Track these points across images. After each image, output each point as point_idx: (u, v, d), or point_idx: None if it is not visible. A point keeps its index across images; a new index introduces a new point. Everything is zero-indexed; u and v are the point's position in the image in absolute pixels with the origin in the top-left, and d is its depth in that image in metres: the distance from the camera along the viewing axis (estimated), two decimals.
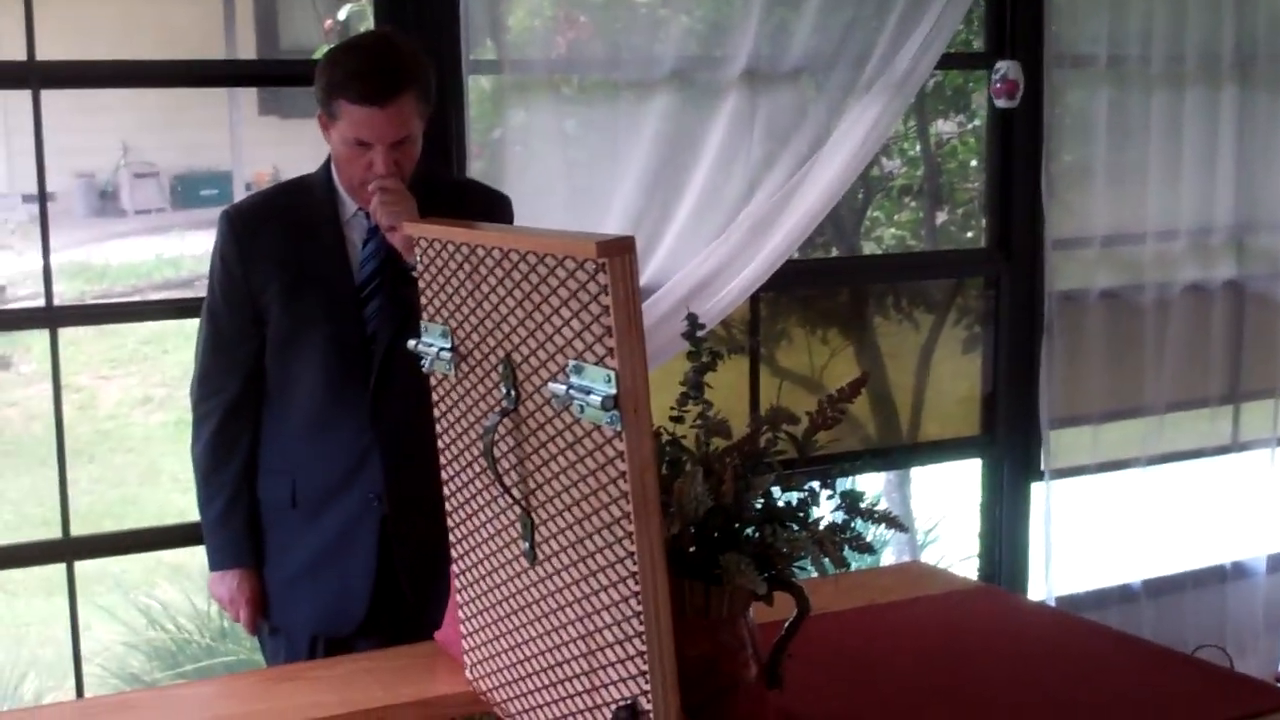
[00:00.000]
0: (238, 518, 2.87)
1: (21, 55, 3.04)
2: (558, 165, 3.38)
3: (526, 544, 1.98)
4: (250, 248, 2.79)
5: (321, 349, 2.78)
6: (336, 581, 2.83)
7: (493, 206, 2.88)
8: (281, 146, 13.96)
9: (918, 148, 4.89)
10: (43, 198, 3.11)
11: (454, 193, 2.91)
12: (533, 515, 1.95)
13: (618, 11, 3.42)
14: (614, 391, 1.69)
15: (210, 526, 2.90)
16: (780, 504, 2.10)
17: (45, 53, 3.04)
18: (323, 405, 2.80)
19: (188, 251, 11.81)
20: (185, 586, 5.45)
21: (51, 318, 3.15)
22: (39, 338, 8.59)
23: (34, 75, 3.02)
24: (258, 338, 2.82)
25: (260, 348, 2.83)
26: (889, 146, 4.74)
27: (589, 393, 1.72)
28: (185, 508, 8.12)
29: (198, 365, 2.90)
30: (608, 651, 1.83)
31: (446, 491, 2.22)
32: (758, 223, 3.45)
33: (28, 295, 10.41)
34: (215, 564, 2.91)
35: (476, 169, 3.32)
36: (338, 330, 2.77)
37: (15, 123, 12.10)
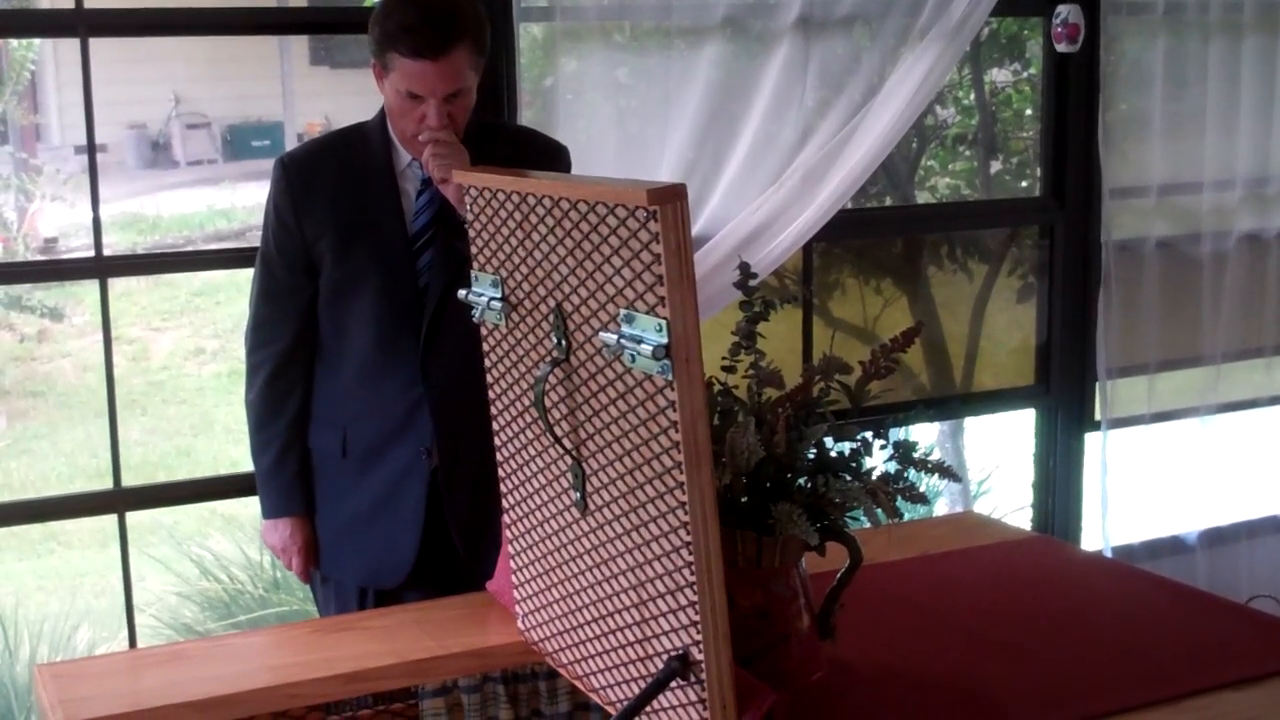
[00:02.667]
0: (290, 467, 2.88)
1: (69, 3, 3.04)
2: (609, 113, 3.35)
3: (578, 494, 1.97)
4: (304, 197, 2.78)
5: (373, 300, 2.77)
6: (385, 534, 2.83)
7: (551, 157, 2.86)
8: (333, 97, 13.99)
9: (972, 96, 4.84)
10: (91, 148, 3.12)
11: (511, 143, 2.88)
12: (584, 465, 1.94)
13: None
14: (665, 340, 1.67)
15: (263, 475, 2.91)
16: (833, 454, 2.09)
17: (94, 1, 3.04)
18: (374, 357, 2.80)
19: (239, 202, 11.87)
20: (238, 537, 5.49)
21: (101, 268, 3.16)
22: (90, 289, 8.67)
23: (82, 23, 3.02)
24: (311, 287, 2.81)
25: (313, 298, 2.82)
26: (943, 95, 4.68)
27: (640, 342, 1.71)
28: (238, 458, 8.20)
29: (251, 314, 2.90)
30: (659, 602, 1.83)
31: (497, 442, 2.21)
32: (810, 172, 3.42)
33: (80, 247, 10.48)
34: (268, 512, 2.92)
35: (528, 117, 3.30)
36: (390, 281, 2.76)
37: (67, 76, 12.18)
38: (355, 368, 2.82)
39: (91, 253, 3.16)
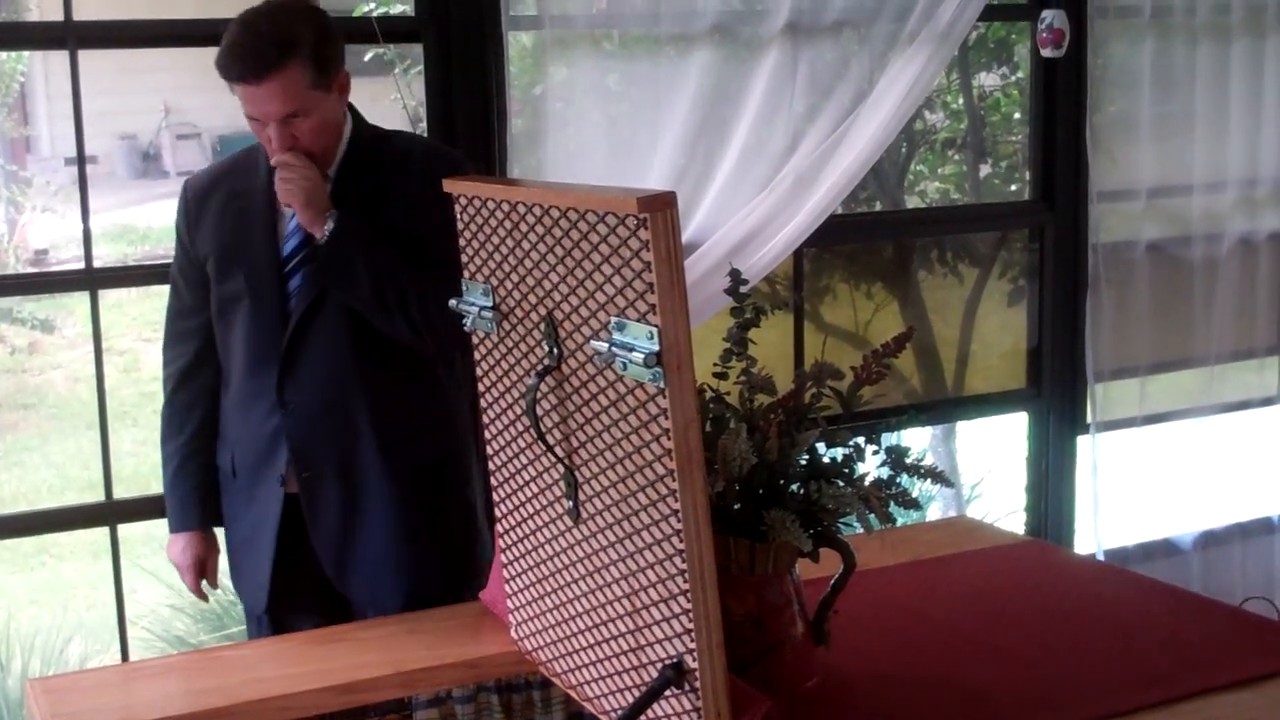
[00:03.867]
0: (186, 482, 2.84)
1: (59, 15, 3.03)
2: (599, 121, 3.35)
3: (570, 503, 1.97)
4: (197, 217, 2.76)
5: (244, 322, 2.72)
6: (253, 557, 2.79)
7: (431, 176, 2.62)
8: None
9: (961, 101, 4.84)
10: (81, 159, 3.12)
11: (400, 159, 2.73)
12: (576, 474, 1.94)
13: None
14: (657, 348, 1.67)
15: (165, 490, 2.88)
16: (825, 460, 2.09)
17: (83, 13, 3.04)
18: (245, 380, 2.75)
19: None
20: None
21: (92, 280, 3.16)
22: (81, 300, 8.65)
23: (71, 35, 3.01)
24: (209, 307, 2.78)
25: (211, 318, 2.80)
26: (932, 100, 4.69)
27: (631, 350, 1.70)
28: None
29: (164, 332, 2.89)
30: (653, 610, 1.82)
31: (489, 450, 2.21)
32: (800, 178, 3.42)
33: (71, 258, 10.47)
34: (169, 527, 2.89)
35: (518, 125, 3.30)
36: (258, 304, 2.70)
37: (57, 87, 12.16)
38: (232, 390, 2.79)
39: (82, 264, 3.16)
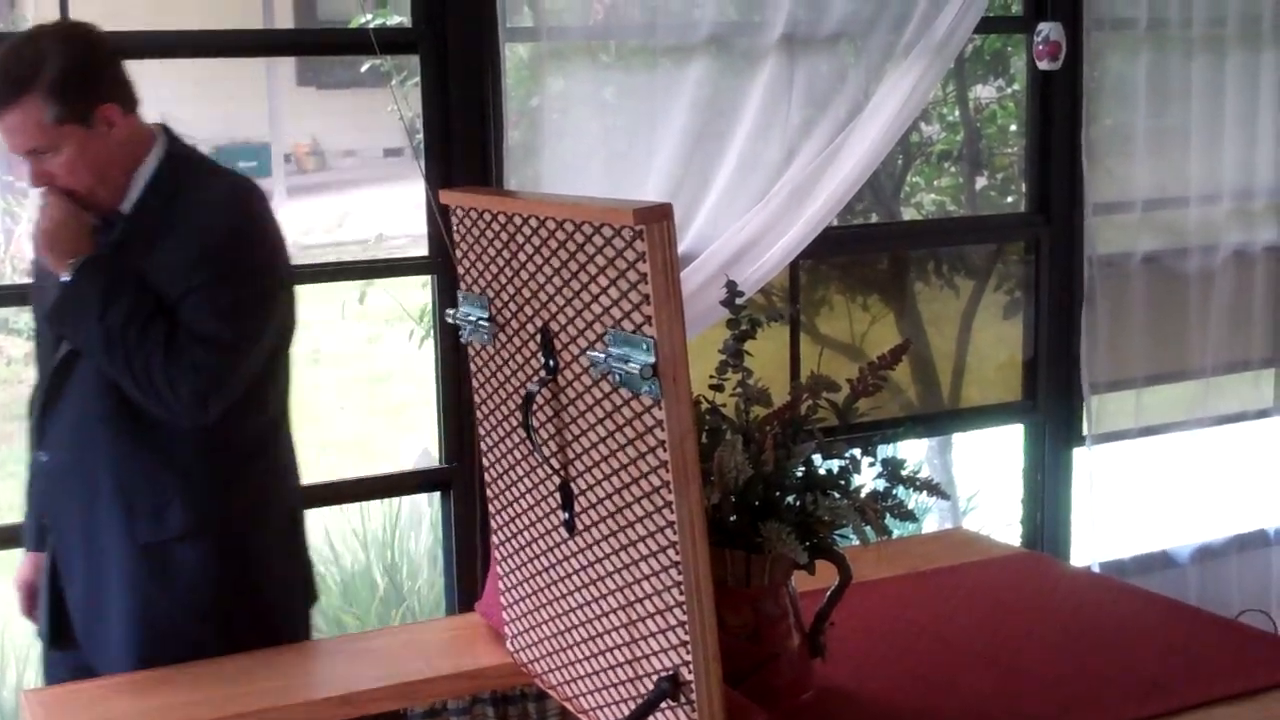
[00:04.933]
0: (28, 503, 2.73)
1: None
2: (596, 132, 3.36)
3: (565, 514, 1.97)
4: None
5: (36, 360, 2.66)
6: (43, 596, 2.69)
7: (201, 238, 2.45)
8: (320, 117, 14.03)
9: (957, 113, 4.85)
10: None
11: (181, 210, 2.49)
12: (571, 485, 1.94)
13: None
14: (652, 360, 1.67)
15: None
16: (821, 472, 2.09)
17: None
18: (34, 416, 2.64)
19: None
20: None
21: None
22: None
23: None
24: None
25: None
26: (928, 111, 4.70)
27: (627, 361, 1.70)
28: None
29: None
30: (649, 622, 1.82)
31: (485, 463, 2.21)
32: (797, 189, 3.42)
33: None
34: None
35: (514, 137, 3.30)
36: (39, 340, 2.64)
37: None
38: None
39: None
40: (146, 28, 3.23)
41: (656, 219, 1.66)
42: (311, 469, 7.62)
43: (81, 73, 2.40)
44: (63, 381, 2.51)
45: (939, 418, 4.43)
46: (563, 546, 2.01)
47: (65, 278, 2.42)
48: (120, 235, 2.46)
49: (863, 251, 4.22)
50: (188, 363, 2.35)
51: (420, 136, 3.41)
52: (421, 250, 3.49)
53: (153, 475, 2.48)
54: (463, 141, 3.29)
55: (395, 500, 5.21)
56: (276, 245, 2.56)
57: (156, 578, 2.49)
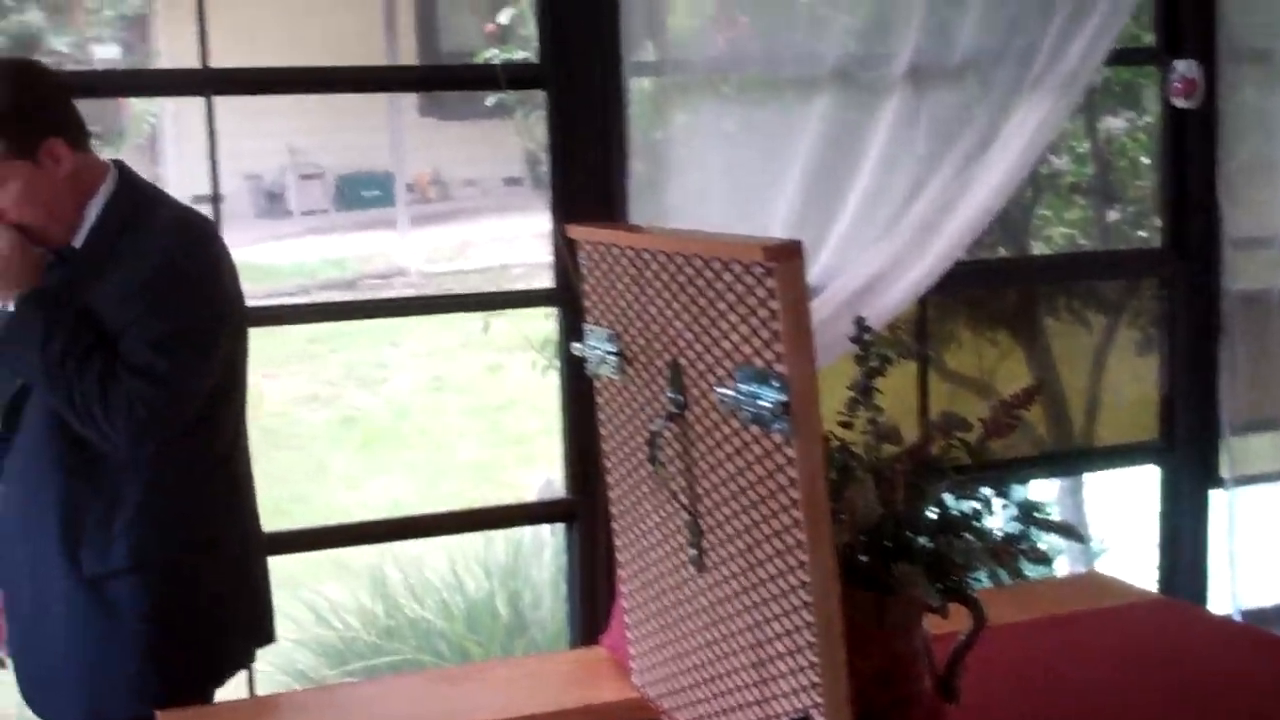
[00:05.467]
0: None
1: (195, 63, 3.10)
2: (718, 166, 3.35)
3: (694, 551, 1.95)
4: None
5: None
6: None
7: (143, 269, 2.45)
8: (441, 147, 14.24)
9: (1087, 144, 4.78)
10: (216, 202, 3.17)
11: (129, 244, 2.48)
12: (700, 522, 1.92)
13: (777, 9, 3.38)
14: (784, 398, 1.66)
15: None
16: (954, 512, 2.05)
17: (217, 60, 3.10)
18: None
19: (351, 252, 12.07)
20: (350, 584, 5.54)
21: None
22: None
23: (207, 82, 3.08)
24: None
25: None
26: (1057, 143, 4.63)
27: (757, 398, 1.69)
28: (350, 505, 8.28)
29: None
30: (779, 662, 1.80)
31: (612, 496, 2.21)
32: (924, 223, 3.39)
33: None
34: None
35: (638, 170, 3.31)
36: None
37: (186, 128, 12.48)
38: None
39: None
40: (278, 64, 3.29)
41: (787, 256, 1.65)
42: (432, 496, 7.72)
43: (25, 108, 2.41)
44: (16, 414, 2.52)
45: (1071, 456, 4.35)
46: (691, 583, 1.99)
47: (9, 309, 2.44)
48: (71, 270, 2.47)
49: (991, 286, 4.17)
50: (124, 394, 2.35)
51: (544, 169, 3.43)
52: (543, 280, 3.50)
53: (98, 509, 2.47)
54: (586, 174, 3.30)
55: (519, 529, 5.24)
56: (217, 279, 2.53)
57: (99, 611, 2.48)
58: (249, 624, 2.69)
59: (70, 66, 8.26)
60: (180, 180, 13.16)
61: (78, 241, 2.48)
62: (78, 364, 2.36)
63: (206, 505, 2.57)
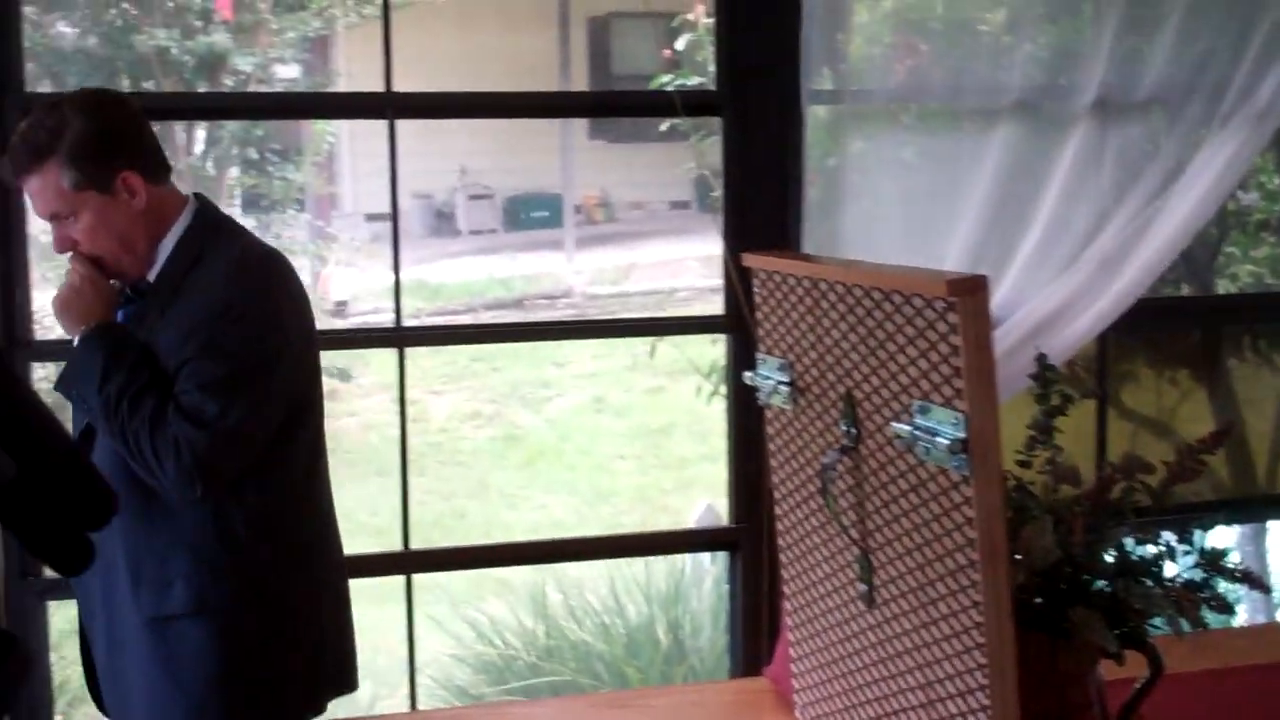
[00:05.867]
0: None
1: (375, 84, 3.17)
2: (895, 195, 3.32)
3: (864, 586, 1.94)
4: None
5: (72, 425, 2.59)
6: None
7: (203, 311, 2.39)
8: (610, 169, 14.38)
9: (1277, 180, 4.63)
10: (395, 225, 3.24)
11: (195, 282, 2.43)
12: (871, 557, 1.90)
13: (959, 38, 3.34)
14: (963, 435, 1.64)
15: None
16: (1133, 557, 2.00)
17: (397, 82, 3.17)
18: None
19: (518, 271, 12.23)
20: (511, 602, 5.58)
21: (400, 338, 3.27)
22: (377, 351, 8.97)
23: (390, 106, 3.14)
24: None
25: None
26: (1245, 178, 4.49)
27: (935, 435, 1.67)
28: (512, 523, 8.36)
29: None
30: (949, 703, 1.77)
31: (780, 528, 2.19)
32: (1107, 258, 3.31)
33: (369, 310, 10.95)
34: None
35: (812, 196, 3.29)
36: (73, 409, 2.56)
37: (360, 146, 12.79)
38: None
39: (382, 317, 3.28)
40: (457, 88, 3.34)
41: (970, 291, 1.63)
42: (592, 517, 7.75)
43: (101, 140, 2.38)
44: (87, 448, 2.45)
45: (1255, 503, 4.21)
46: (860, 619, 1.97)
47: (76, 344, 2.41)
48: (141, 305, 2.45)
49: (1174, 325, 4.06)
50: (172, 437, 2.30)
51: (714, 193, 3.43)
52: (708, 304, 3.51)
53: (160, 549, 2.42)
54: (760, 200, 3.30)
55: (680, 555, 5.24)
56: (275, 320, 2.44)
57: (162, 652, 2.44)
58: (321, 674, 2.56)
59: (254, 86, 8.50)
60: (355, 198, 13.51)
61: (152, 276, 2.44)
62: (131, 404, 2.32)
63: (273, 554, 2.47)
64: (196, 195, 2.52)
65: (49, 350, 3.03)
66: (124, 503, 2.22)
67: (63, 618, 4.49)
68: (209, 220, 2.48)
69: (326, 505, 2.61)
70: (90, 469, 2.04)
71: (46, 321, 2.84)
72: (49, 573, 2.81)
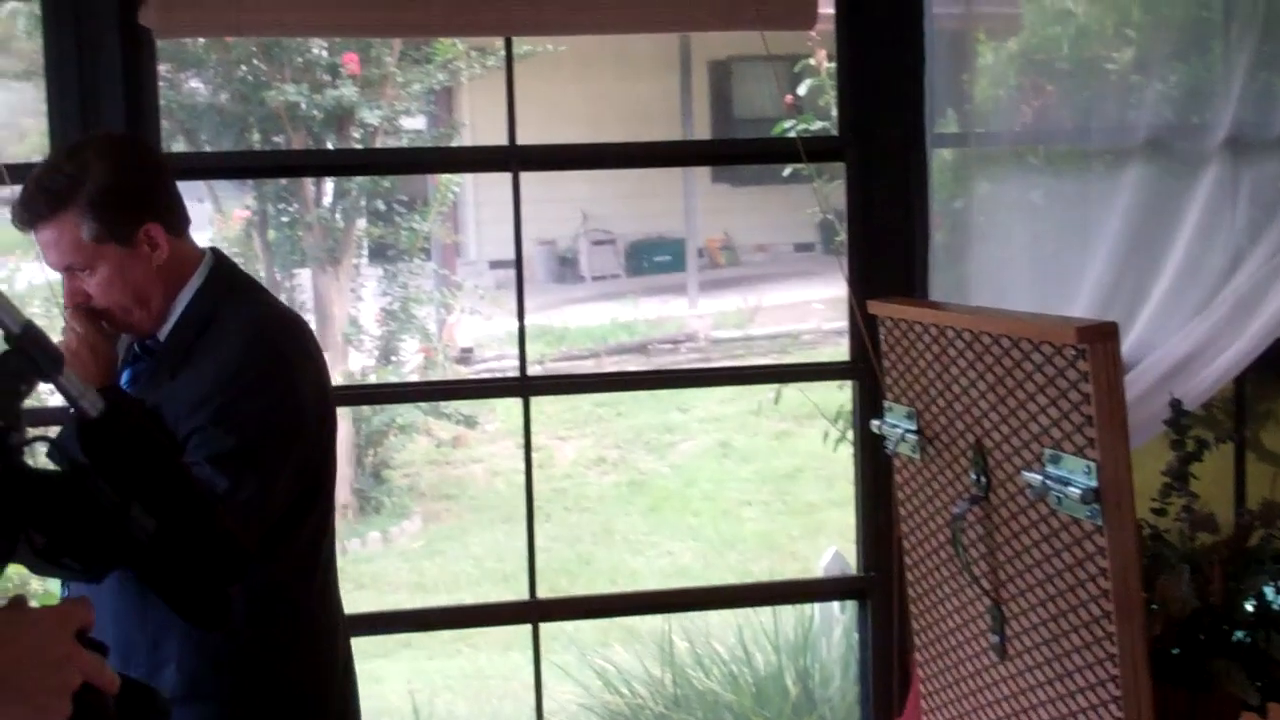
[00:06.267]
0: None
1: (499, 136, 3.21)
2: (1023, 237, 3.28)
3: (996, 637, 1.91)
4: None
5: None
6: None
7: (215, 377, 2.20)
8: (733, 214, 14.41)
9: None
10: (520, 275, 3.26)
11: (208, 343, 2.25)
12: (1003, 608, 1.88)
13: (1086, 79, 3.30)
14: (1095, 484, 1.61)
15: None
16: (1275, 606, 1.95)
17: (522, 133, 3.20)
18: None
19: (641, 316, 12.28)
20: (639, 651, 5.57)
21: (526, 388, 3.29)
22: (503, 399, 9.02)
23: (513, 159, 3.18)
24: None
25: None
26: None
27: (1067, 484, 1.65)
28: (638, 569, 8.35)
29: None
30: None
31: (910, 578, 2.17)
32: (1242, 299, 3.23)
33: (493, 356, 11.07)
34: None
35: (937, 240, 3.26)
36: None
37: (484, 195, 12.96)
38: None
39: (507, 364, 3.31)
40: (579, 139, 3.38)
41: (1102, 338, 1.61)
42: (718, 563, 7.67)
43: (124, 190, 2.20)
44: None
45: None
46: (993, 670, 1.94)
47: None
48: (151, 364, 2.28)
49: None
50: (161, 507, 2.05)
51: (839, 236, 3.42)
52: (836, 347, 3.50)
53: (151, 631, 2.22)
54: (885, 244, 3.27)
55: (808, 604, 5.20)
56: (290, 390, 2.24)
57: None
58: None
59: (380, 138, 8.67)
60: (479, 246, 13.68)
61: (163, 333, 2.27)
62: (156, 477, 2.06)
63: (277, 639, 2.29)
64: (213, 250, 2.35)
65: None
66: (115, 584, 2.09)
67: None
68: (225, 277, 2.31)
69: (334, 581, 2.40)
70: (226, 525, 2.06)
71: None
72: None
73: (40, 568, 1.71)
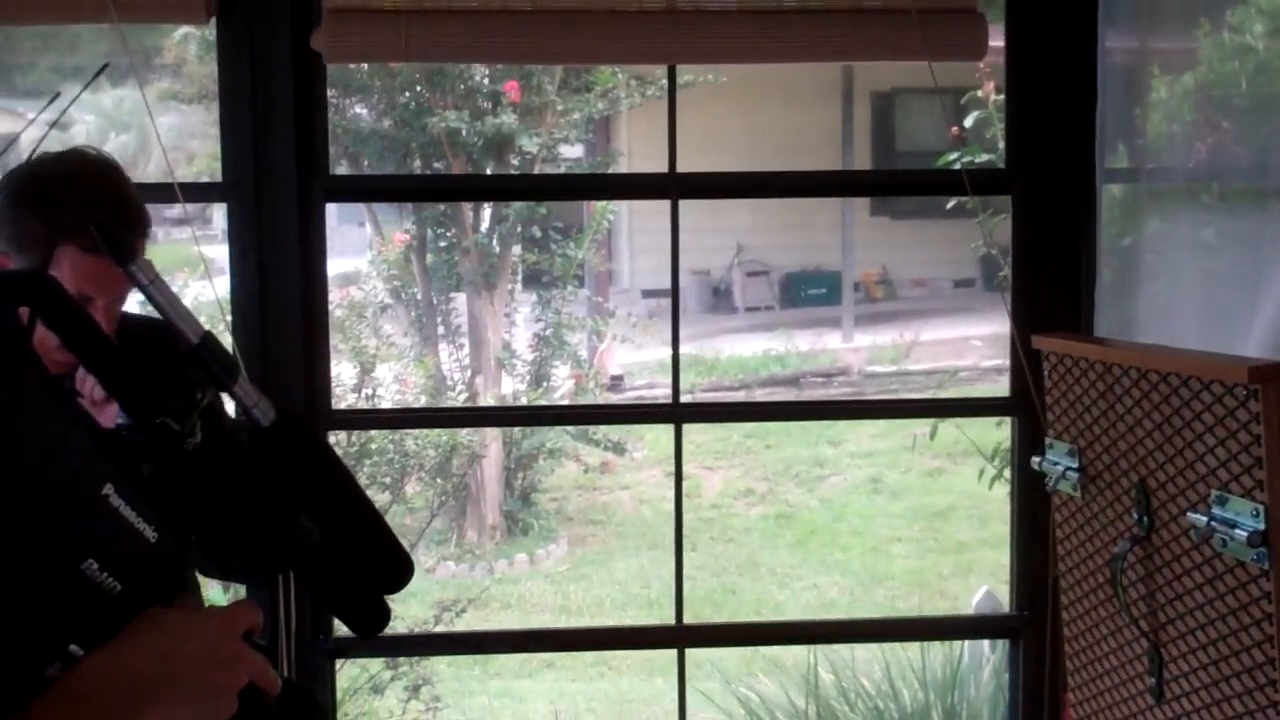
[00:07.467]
0: None
1: (657, 164, 3.23)
2: (1193, 277, 3.20)
3: (1153, 680, 1.87)
4: None
5: None
6: None
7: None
8: (891, 247, 14.30)
9: None
10: (675, 303, 3.27)
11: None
12: (1162, 651, 1.84)
13: (1265, 116, 3.21)
14: (1262, 527, 1.57)
15: None
16: None
17: (682, 162, 3.21)
18: None
19: (794, 348, 12.23)
20: (783, 681, 5.53)
21: (679, 414, 3.30)
22: (652, 426, 9.02)
23: (673, 186, 3.19)
24: None
25: None
26: None
27: (1234, 526, 1.61)
28: (783, 602, 8.28)
29: None
30: None
31: (1066, 616, 2.13)
32: None
33: (643, 385, 11.10)
34: None
35: (1105, 278, 3.21)
36: None
37: (639, 224, 13.04)
38: None
39: (657, 393, 3.32)
40: (738, 166, 3.38)
41: (1274, 378, 1.57)
42: (865, 599, 7.60)
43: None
44: None
45: None
46: (1149, 713, 1.90)
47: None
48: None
49: None
50: None
51: (1003, 273, 3.38)
52: (993, 385, 3.45)
53: None
54: (1050, 281, 3.22)
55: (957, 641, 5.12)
56: None
57: None
58: None
59: (538, 166, 8.77)
60: (632, 274, 13.75)
61: None
62: None
63: None
64: None
65: (346, 420, 3.17)
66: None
67: (344, 676, 4.65)
68: None
69: None
70: (389, 535, 2.10)
71: (338, 391, 2.97)
72: (340, 632, 2.93)
73: (209, 569, 1.75)
